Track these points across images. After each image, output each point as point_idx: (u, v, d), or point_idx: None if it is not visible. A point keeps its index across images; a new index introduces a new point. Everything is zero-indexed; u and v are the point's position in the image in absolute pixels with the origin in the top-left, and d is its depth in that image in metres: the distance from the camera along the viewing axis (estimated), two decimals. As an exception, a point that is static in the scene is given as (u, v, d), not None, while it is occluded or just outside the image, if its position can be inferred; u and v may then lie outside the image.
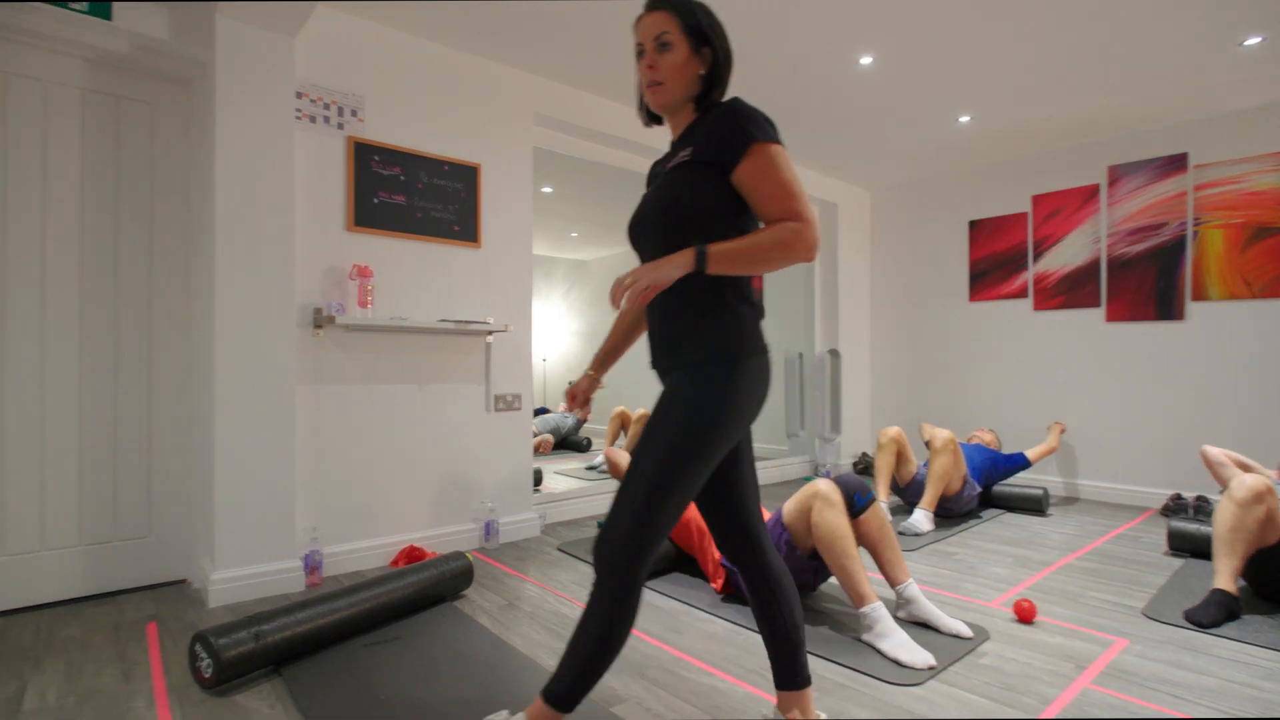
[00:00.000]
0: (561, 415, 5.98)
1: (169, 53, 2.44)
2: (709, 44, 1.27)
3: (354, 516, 2.76)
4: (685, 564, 2.70)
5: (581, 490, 3.81)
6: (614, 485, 3.93)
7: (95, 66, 2.42)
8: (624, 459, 2.73)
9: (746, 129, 1.18)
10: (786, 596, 1.35)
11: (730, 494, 1.35)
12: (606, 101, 3.65)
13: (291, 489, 2.48)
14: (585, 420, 6.48)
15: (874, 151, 4.55)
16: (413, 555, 2.75)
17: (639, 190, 1.76)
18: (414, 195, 2.91)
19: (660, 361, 1.32)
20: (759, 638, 2.01)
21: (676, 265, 1.15)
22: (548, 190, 5.09)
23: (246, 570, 2.38)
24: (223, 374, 2.35)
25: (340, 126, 2.72)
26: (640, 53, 1.28)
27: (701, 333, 1.23)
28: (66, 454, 2.36)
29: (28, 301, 2.30)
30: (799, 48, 3.07)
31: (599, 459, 4.80)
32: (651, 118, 1.40)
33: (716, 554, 2.40)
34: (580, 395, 1.55)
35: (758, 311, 1.29)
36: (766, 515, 2.54)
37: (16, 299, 2.28)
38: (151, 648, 1.98)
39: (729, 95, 1.30)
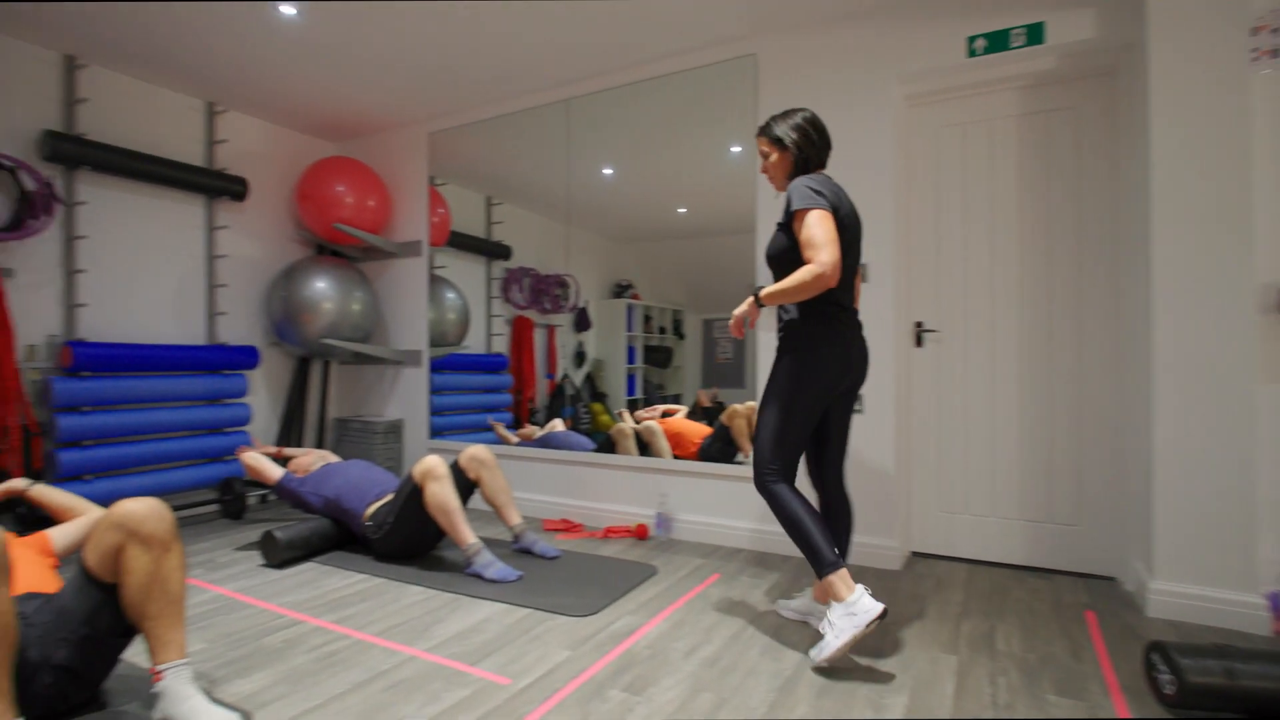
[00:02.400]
0: None
1: (1092, 50, 2.46)
2: (788, 145, 1.99)
3: (1348, 563, 2.05)
4: None
5: None
6: None
7: (1025, 92, 2.68)
8: None
9: (792, 203, 1.86)
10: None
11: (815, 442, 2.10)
12: None
13: (1253, 508, 2.05)
14: None
15: None
16: None
17: None
18: None
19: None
20: None
21: (747, 304, 1.96)
22: None
23: (1191, 589, 2.11)
24: (1162, 367, 2.18)
25: (1319, 47, 2.08)
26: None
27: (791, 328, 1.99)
28: (1010, 436, 2.71)
29: (980, 307, 2.77)
30: None
31: None
32: None
33: None
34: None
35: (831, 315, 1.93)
36: None
37: (973, 308, 2.78)
38: (1094, 636, 2.00)
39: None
